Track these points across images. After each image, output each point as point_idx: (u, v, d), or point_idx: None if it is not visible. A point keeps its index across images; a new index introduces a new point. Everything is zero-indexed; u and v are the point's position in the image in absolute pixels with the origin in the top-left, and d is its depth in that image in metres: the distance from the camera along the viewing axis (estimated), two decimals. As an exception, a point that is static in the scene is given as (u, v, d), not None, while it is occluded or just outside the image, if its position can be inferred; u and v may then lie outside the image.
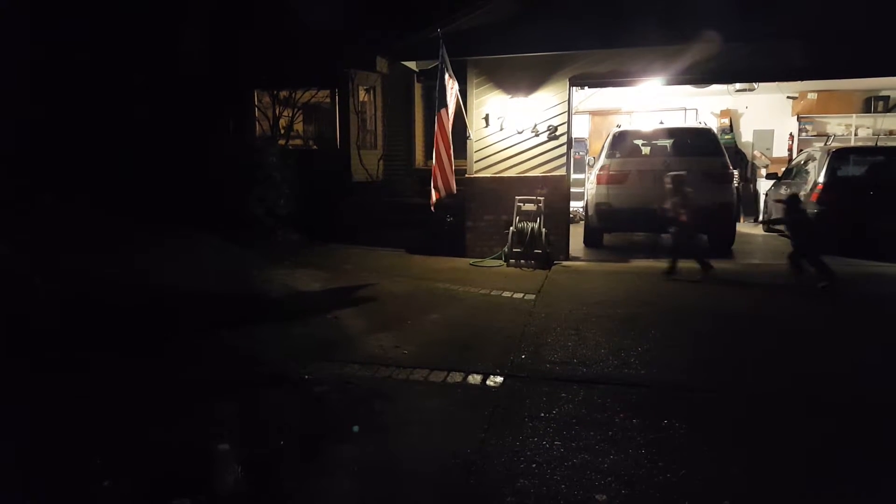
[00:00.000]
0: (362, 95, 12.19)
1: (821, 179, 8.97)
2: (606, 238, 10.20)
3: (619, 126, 10.39)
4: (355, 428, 3.49)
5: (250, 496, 2.87)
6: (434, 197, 8.36)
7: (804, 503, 2.86)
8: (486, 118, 8.96)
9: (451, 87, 8.29)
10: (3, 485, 2.93)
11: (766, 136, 13.74)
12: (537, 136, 8.84)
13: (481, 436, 3.42)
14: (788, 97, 13.31)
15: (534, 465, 3.09)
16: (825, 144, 11.31)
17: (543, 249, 8.29)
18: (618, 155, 9.45)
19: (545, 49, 8.49)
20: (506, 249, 8.51)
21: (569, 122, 8.87)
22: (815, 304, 6.46)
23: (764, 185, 12.51)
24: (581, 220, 11.22)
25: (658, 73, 8.54)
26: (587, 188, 10.47)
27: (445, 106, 8.16)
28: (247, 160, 9.40)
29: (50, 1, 9.27)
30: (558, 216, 8.77)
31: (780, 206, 7.58)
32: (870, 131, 12.95)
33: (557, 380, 4.24)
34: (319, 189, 10.06)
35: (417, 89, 12.94)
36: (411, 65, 10.17)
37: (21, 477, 3.00)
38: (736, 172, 10.00)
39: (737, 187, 10.17)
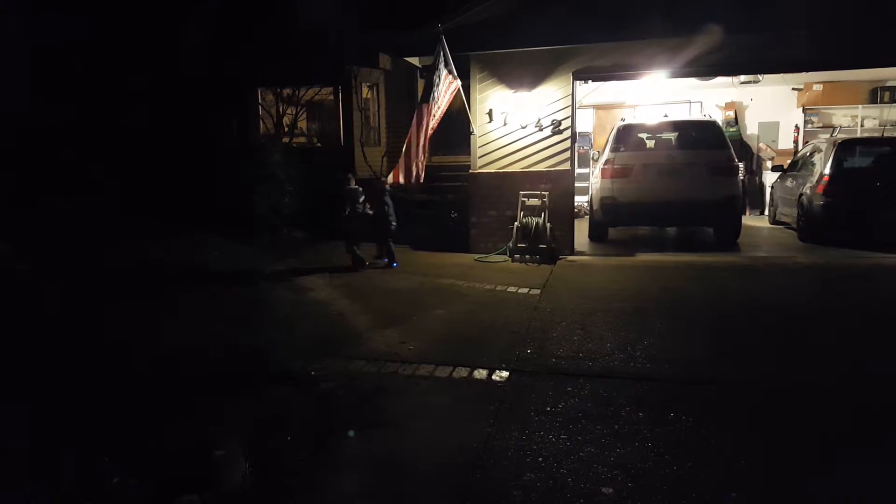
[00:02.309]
0: (365, 92, 12.19)
1: (827, 171, 8.92)
2: (611, 232, 10.17)
3: (623, 120, 10.34)
4: (360, 425, 3.50)
5: (257, 492, 2.88)
6: (392, 178, 8.30)
7: (811, 496, 2.85)
8: (490, 113, 8.94)
9: (452, 83, 8.27)
10: (10, 483, 2.95)
11: (771, 129, 13.67)
12: (541, 130, 8.81)
13: (487, 430, 3.42)
14: (794, 89, 13.22)
15: (540, 459, 3.09)
16: (831, 136, 11.25)
17: (548, 244, 8.28)
18: (622, 149, 9.41)
19: (548, 43, 8.46)
20: (510, 245, 8.50)
21: (573, 117, 8.84)
22: (824, 298, 6.43)
23: (769, 178, 12.44)
24: (586, 214, 11.19)
25: (662, 66, 8.50)
26: (591, 182, 10.43)
27: (428, 101, 8.13)
28: (250, 158, 9.40)
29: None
30: (563, 211, 8.75)
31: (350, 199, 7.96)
32: (876, 122, 12.87)
33: (563, 374, 4.24)
34: (323, 186, 10.06)
35: (420, 85, 12.90)
36: (414, 61, 10.16)
37: (28, 475, 3.02)
38: (741, 165, 9.96)
39: (742, 180, 10.13)
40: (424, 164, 8.44)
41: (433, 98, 8.12)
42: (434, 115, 8.20)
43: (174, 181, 8.77)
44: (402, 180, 8.31)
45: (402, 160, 8.25)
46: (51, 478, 3.00)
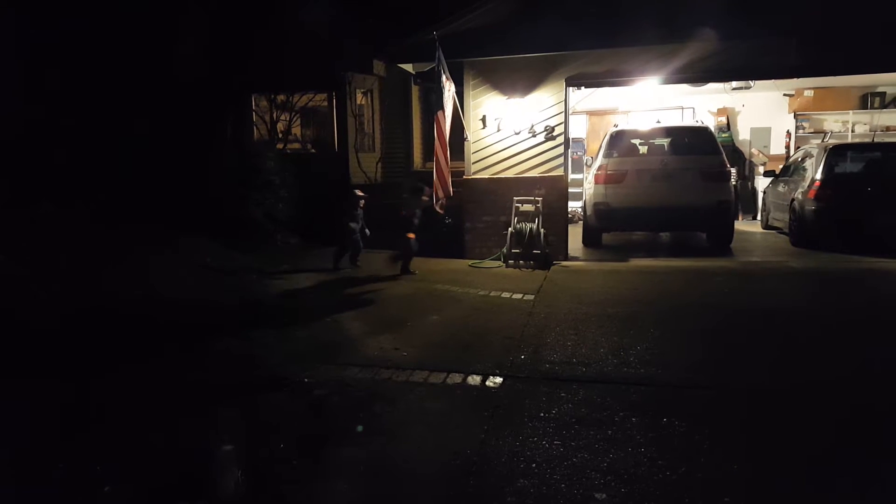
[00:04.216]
0: (360, 98, 12.19)
1: (818, 176, 8.98)
2: (605, 238, 10.21)
3: (616, 125, 10.40)
4: (359, 428, 3.50)
5: (250, 500, 2.87)
6: (438, 198, 8.33)
7: (807, 501, 2.86)
8: (483, 119, 8.97)
9: (448, 89, 8.30)
10: (2, 491, 2.93)
11: (763, 134, 13.77)
12: (534, 136, 8.85)
13: (481, 436, 3.42)
14: (785, 94, 13.33)
15: (534, 465, 3.09)
16: (822, 141, 11.33)
17: (542, 250, 8.30)
18: (615, 154, 9.46)
19: (541, 49, 8.50)
20: (504, 250, 8.51)
21: (566, 123, 8.88)
22: (817, 303, 6.46)
23: (762, 183, 12.52)
24: (580, 220, 11.23)
25: (655, 73, 8.56)
26: (585, 188, 10.48)
27: (442, 108, 8.16)
28: (245, 165, 9.40)
29: (47, 3, 9.27)
30: (557, 216, 8.78)
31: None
32: (867, 127, 12.97)
33: (557, 379, 4.24)
34: (318, 192, 10.05)
35: (415, 91, 12.93)
36: (408, 67, 10.18)
37: (20, 483, 3.00)
38: (734, 170, 10.03)
39: (735, 185, 10.20)
40: (450, 173, 8.41)
41: (444, 106, 8.14)
42: (448, 122, 8.23)
43: (168, 187, 8.75)
44: (441, 195, 8.32)
45: (435, 176, 8.25)
46: (42, 486, 2.98)
